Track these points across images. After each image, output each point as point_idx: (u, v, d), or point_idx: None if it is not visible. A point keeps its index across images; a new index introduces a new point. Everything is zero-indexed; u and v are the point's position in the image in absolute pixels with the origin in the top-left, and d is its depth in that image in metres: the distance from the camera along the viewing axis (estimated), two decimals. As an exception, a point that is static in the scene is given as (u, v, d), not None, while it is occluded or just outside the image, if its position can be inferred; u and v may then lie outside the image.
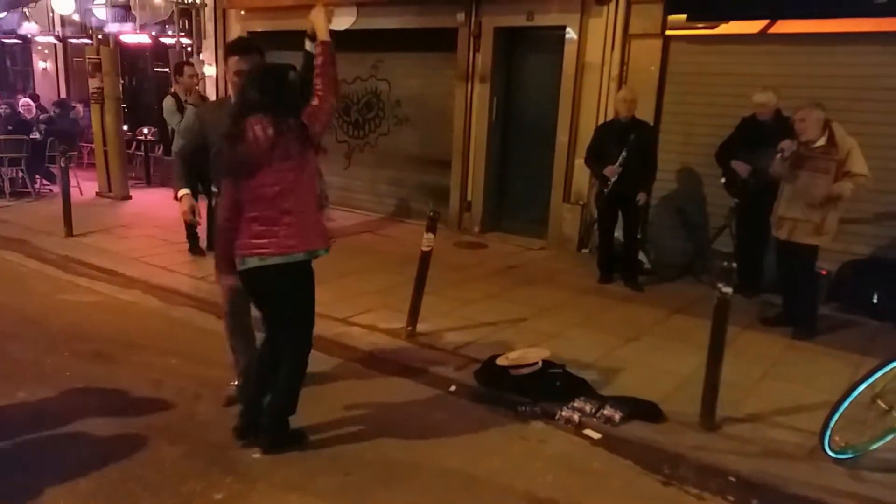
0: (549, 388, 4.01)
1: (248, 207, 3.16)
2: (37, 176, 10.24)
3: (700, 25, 6.53)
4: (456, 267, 6.71)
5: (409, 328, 4.91)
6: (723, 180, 6.06)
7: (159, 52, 12.74)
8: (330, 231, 3.45)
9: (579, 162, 7.33)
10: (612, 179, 6.06)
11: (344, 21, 8.93)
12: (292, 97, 3.15)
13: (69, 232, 7.49)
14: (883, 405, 3.36)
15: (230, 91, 3.71)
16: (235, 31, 10.59)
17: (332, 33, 3.34)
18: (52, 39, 14.41)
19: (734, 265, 3.64)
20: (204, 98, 6.93)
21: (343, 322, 5.17)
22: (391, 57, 9.17)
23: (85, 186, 9.93)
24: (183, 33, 10.96)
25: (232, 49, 3.63)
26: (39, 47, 14.96)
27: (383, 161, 9.51)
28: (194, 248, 6.90)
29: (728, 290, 3.59)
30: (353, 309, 5.40)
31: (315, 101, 3.19)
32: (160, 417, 3.68)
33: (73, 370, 4.22)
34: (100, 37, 9.73)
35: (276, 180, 3.12)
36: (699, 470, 3.38)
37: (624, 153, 5.98)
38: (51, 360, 4.37)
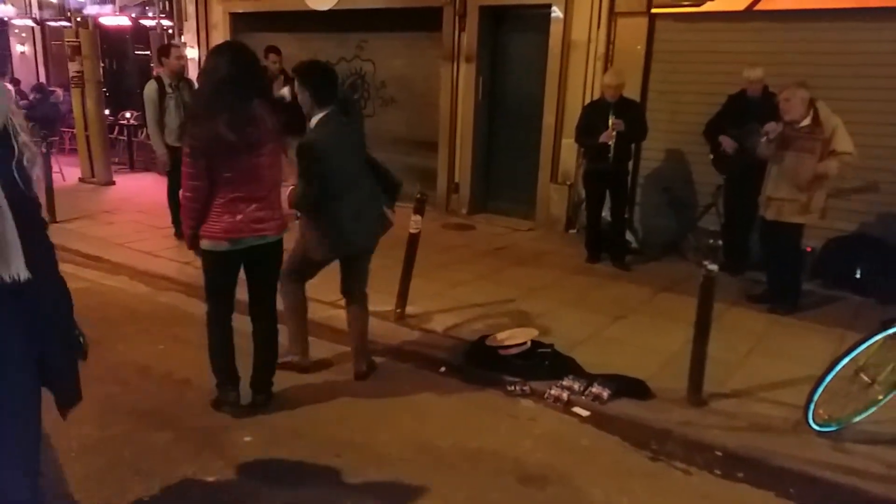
0: (538, 367, 4.05)
1: (233, 188, 3.24)
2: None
3: (686, 2, 6.52)
4: (444, 249, 6.71)
5: (399, 310, 4.92)
6: (711, 157, 6.08)
7: (140, 34, 12.54)
8: None
9: (567, 142, 7.33)
10: (611, 144, 6.02)
11: (328, 1, 8.83)
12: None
13: (53, 218, 7.40)
14: (866, 378, 3.41)
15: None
16: (217, 12, 10.46)
17: None
18: (29, 22, 14.16)
19: (720, 243, 3.66)
20: (189, 81, 6.82)
21: (332, 305, 5.15)
22: (376, 37, 9.08)
23: (67, 172, 9.80)
24: (163, 15, 10.79)
25: None
26: (17, 31, 14.67)
27: (369, 143, 9.30)
28: (180, 233, 6.85)
29: (714, 267, 3.62)
30: (340, 292, 5.38)
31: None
32: (149, 402, 3.69)
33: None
34: (79, 19, 9.55)
35: (272, 161, 3.33)
36: (686, 445, 3.44)
37: (612, 117, 5.95)
38: (37, 348, 4.34)
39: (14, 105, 1.92)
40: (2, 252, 1.73)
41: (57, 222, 7.40)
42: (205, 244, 3.32)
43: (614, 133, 5.96)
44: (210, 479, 3.03)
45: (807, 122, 4.85)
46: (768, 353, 4.53)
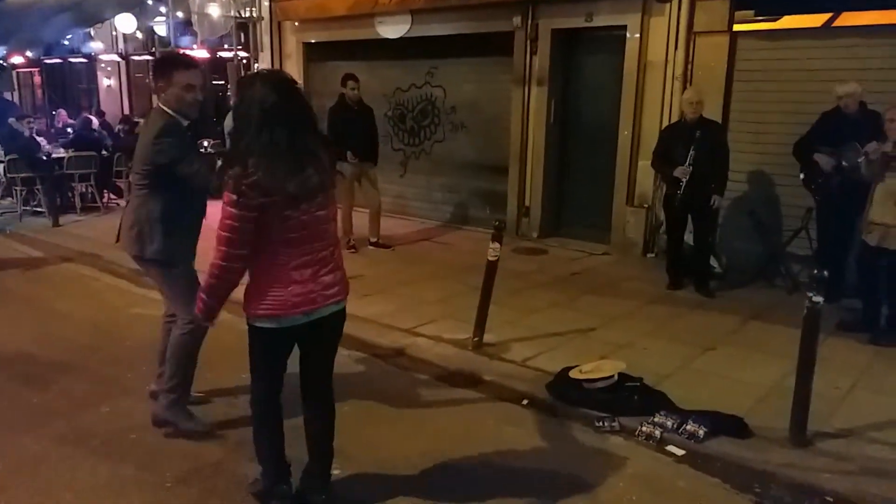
0: (627, 402, 3.89)
1: (292, 250, 2.69)
2: (105, 191, 10.57)
3: (761, 18, 6.32)
4: (516, 274, 6.60)
5: (476, 339, 4.84)
6: (801, 177, 5.80)
7: (217, 65, 13.02)
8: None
9: (643, 164, 7.16)
10: (684, 181, 5.87)
11: (398, 29, 8.96)
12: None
13: (125, 243, 7.67)
14: None
15: None
16: (291, 42, 10.76)
17: None
18: (115, 57, 14.91)
19: (826, 273, 3.44)
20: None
21: (408, 333, 5.14)
22: (446, 63, 9.14)
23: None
24: (240, 47, 11.17)
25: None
26: (103, 65, 15.48)
27: (439, 168, 9.48)
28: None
29: (819, 299, 3.42)
30: (416, 319, 5.37)
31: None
32: (238, 433, 3.70)
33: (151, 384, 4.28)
34: (161, 52, 9.98)
35: (333, 212, 2.86)
36: (793, 489, 3.22)
37: (692, 151, 5.78)
38: (130, 374, 4.46)
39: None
40: None
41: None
42: (265, 322, 2.74)
43: (689, 169, 5.79)
44: (300, 513, 3.00)
45: (915, 142, 4.57)
46: (874, 389, 4.24)
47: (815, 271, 3.44)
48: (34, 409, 3.99)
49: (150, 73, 3.52)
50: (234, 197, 2.54)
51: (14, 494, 3.12)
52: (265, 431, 2.99)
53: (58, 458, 3.45)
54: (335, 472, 3.28)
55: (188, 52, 11.15)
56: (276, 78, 2.71)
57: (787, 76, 6.36)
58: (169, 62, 3.50)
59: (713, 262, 6.50)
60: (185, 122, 3.46)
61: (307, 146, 2.64)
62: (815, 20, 6.05)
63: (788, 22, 6.24)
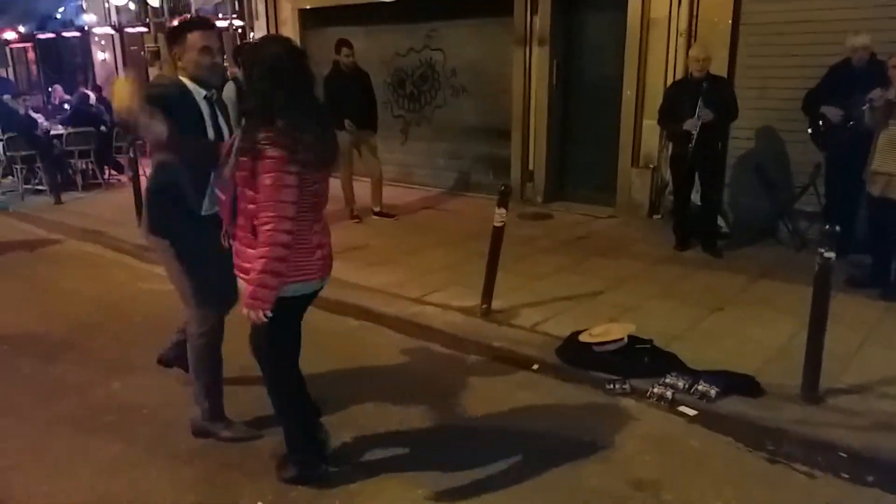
0: (638, 364, 3.88)
1: (313, 216, 2.72)
2: (105, 167, 10.50)
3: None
4: (522, 240, 6.56)
5: (484, 306, 4.82)
6: (809, 131, 5.70)
7: (212, 35, 12.84)
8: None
9: (648, 123, 7.06)
10: (695, 133, 5.75)
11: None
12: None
13: (140, 221, 7.64)
14: None
15: None
16: (285, 9, 10.56)
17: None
18: (109, 30, 14.69)
19: (837, 228, 3.39)
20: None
21: (416, 301, 5.13)
22: (445, 25, 8.96)
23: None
24: (235, 15, 10.98)
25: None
26: (97, 38, 15.26)
27: (440, 134, 9.38)
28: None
29: (831, 255, 3.38)
30: (424, 288, 5.35)
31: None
32: (249, 406, 3.70)
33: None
34: (155, 24, 9.82)
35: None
36: (806, 445, 3.22)
37: (700, 102, 5.67)
38: (138, 351, 4.46)
39: None
40: None
41: (145, 224, 7.65)
42: (295, 289, 2.68)
43: (699, 122, 5.68)
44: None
45: (920, 89, 4.47)
46: (885, 344, 4.23)
47: (826, 226, 3.39)
48: (45, 387, 4.01)
49: (165, 43, 3.32)
50: (289, 156, 2.47)
51: (29, 471, 3.14)
52: (296, 415, 2.95)
53: (71, 434, 3.46)
54: (346, 439, 3.31)
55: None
56: (289, 42, 2.71)
57: (793, 28, 6.20)
58: (182, 25, 3.29)
59: (720, 221, 6.44)
60: (205, 92, 3.16)
61: (323, 109, 2.68)
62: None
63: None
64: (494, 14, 8.23)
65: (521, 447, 3.29)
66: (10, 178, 10.15)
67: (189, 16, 9.49)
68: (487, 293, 4.81)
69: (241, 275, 2.73)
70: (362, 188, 7.64)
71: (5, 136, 9.52)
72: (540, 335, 4.47)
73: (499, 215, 4.66)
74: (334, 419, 3.45)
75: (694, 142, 5.77)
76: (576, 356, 4.05)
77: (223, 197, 2.81)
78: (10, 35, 16.18)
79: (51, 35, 16.13)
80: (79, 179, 9.99)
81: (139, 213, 7.57)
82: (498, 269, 4.80)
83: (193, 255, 3.17)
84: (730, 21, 6.51)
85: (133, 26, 14.10)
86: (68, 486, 3.03)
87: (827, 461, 3.13)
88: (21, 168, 9.65)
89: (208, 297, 3.21)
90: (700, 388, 3.61)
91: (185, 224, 3.18)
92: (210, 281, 3.18)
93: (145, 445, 3.34)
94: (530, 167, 8.30)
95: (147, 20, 12.99)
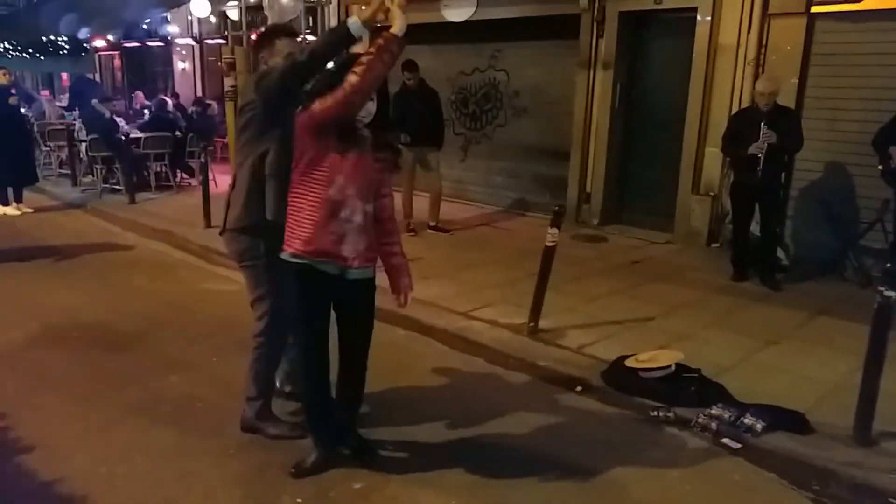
0: (684, 393, 3.83)
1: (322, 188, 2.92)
2: (177, 170, 11.00)
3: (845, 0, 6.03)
4: (576, 261, 6.56)
5: (532, 324, 4.84)
6: (880, 167, 5.54)
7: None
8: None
9: (711, 151, 6.97)
10: (761, 156, 5.64)
11: (463, 12, 8.94)
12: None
13: (208, 223, 7.97)
14: None
15: None
16: (357, 26, 10.87)
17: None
18: (190, 41, 15.41)
19: (897, 267, 3.30)
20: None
21: (464, 316, 5.19)
22: (510, 46, 9.08)
23: (219, 179, 10.55)
24: (308, 30, 11.36)
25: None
26: (178, 48, 16.03)
27: (500, 153, 9.46)
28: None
29: (892, 293, 3.28)
30: (473, 303, 5.41)
31: (339, 90, 2.73)
32: (300, 406, 3.83)
33: (218, 357, 4.49)
34: (233, 36, 10.26)
35: None
36: (853, 488, 3.12)
37: (764, 125, 5.57)
38: (198, 347, 4.68)
39: None
40: None
41: (212, 227, 7.96)
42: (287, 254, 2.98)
43: (765, 145, 5.58)
44: (357, 485, 3.11)
45: None
46: (949, 390, 4.04)
47: (889, 264, 3.30)
48: (110, 375, 4.24)
49: (251, 48, 3.50)
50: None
51: (89, 454, 3.34)
52: (313, 391, 3.15)
53: (131, 422, 3.66)
54: (387, 445, 3.39)
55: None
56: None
57: (867, 60, 6.05)
58: (271, 31, 3.47)
59: (780, 253, 6.29)
60: None
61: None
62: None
63: (874, 2, 5.92)
64: (560, 37, 8.30)
65: (558, 468, 3.30)
66: (91, 177, 10.75)
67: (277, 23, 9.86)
68: (535, 312, 4.83)
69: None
70: (421, 203, 7.78)
71: (88, 138, 10.11)
72: (586, 357, 4.47)
73: (551, 235, 4.70)
74: (376, 426, 3.55)
75: (762, 164, 5.66)
76: (621, 381, 4.03)
77: None
78: (99, 43, 17.15)
79: (136, 44, 17.02)
80: (152, 181, 10.49)
81: (207, 215, 7.93)
82: (549, 289, 4.82)
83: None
84: (801, 50, 6.39)
85: (212, 38, 14.77)
86: (124, 471, 3.20)
87: (875, 506, 3.03)
88: (101, 168, 10.22)
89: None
90: (746, 421, 3.54)
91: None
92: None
93: (197, 437, 3.50)
94: (588, 189, 8.29)
95: (226, 32, 13.57)
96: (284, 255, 2.92)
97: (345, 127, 2.83)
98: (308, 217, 2.84)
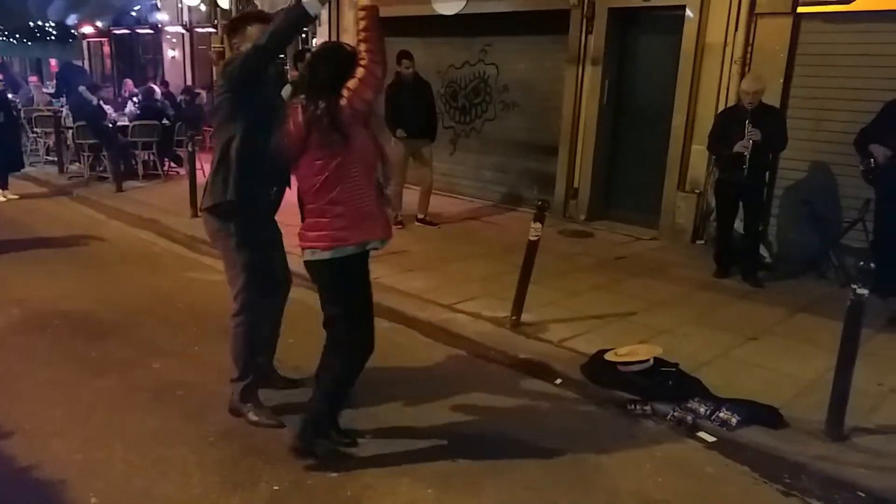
0: (661, 386, 3.88)
1: (304, 197, 3.08)
2: (165, 159, 10.94)
3: (833, 0, 6.06)
4: (561, 256, 6.60)
5: (514, 318, 4.88)
6: (861, 168, 5.60)
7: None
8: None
9: (697, 148, 7.02)
10: (747, 154, 5.68)
11: (454, 6, 8.93)
12: (328, 75, 2.87)
13: (195, 212, 7.94)
14: None
15: None
16: (347, 17, 10.84)
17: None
18: (180, 29, 15.31)
19: (872, 266, 3.36)
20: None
21: (448, 308, 5.22)
22: (500, 41, 9.08)
23: (207, 169, 10.49)
24: (299, 20, 11.32)
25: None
26: (168, 36, 15.92)
27: (489, 147, 9.47)
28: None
29: (864, 291, 3.34)
30: (457, 296, 5.44)
31: (360, 73, 2.83)
32: (279, 394, 3.84)
33: (201, 345, 4.51)
34: (223, 25, 10.21)
35: (319, 169, 2.89)
36: (824, 482, 3.18)
37: (749, 123, 5.62)
38: (181, 335, 4.68)
39: None
40: None
41: (198, 216, 7.94)
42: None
43: (750, 143, 5.63)
44: (333, 474, 3.13)
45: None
46: (921, 388, 4.12)
47: (861, 263, 3.35)
48: (92, 362, 4.24)
49: (226, 36, 3.53)
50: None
51: (68, 440, 3.35)
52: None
53: (110, 408, 3.67)
54: (366, 437, 3.41)
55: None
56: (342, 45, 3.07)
57: (852, 61, 6.09)
58: (243, 17, 3.51)
59: (763, 251, 6.35)
60: None
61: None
62: (893, 2, 5.76)
63: (861, 4, 5.96)
64: (550, 32, 8.31)
65: (534, 458, 3.34)
66: (78, 164, 10.69)
67: (251, 9, 9.81)
68: (518, 305, 4.87)
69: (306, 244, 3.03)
70: (410, 196, 7.80)
71: (75, 125, 10.05)
72: (567, 351, 4.51)
73: (534, 229, 4.72)
74: (356, 414, 3.57)
75: (747, 162, 5.71)
76: (599, 374, 4.07)
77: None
78: (87, 29, 17.01)
79: (125, 31, 16.89)
80: (140, 169, 10.44)
81: (193, 204, 7.91)
82: (533, 283, 4.86)
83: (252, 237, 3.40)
84: (786, 50, 6.44)
85: (203, 26, 14.69)
86: (103, 457, 3.21)
87: (844, 500, 3.09)
88: (88, 155, 10.16)
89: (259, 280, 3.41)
90: (721, 415, 3.59)
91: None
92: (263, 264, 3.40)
93: (176, 424, 3.51)
94: (575, 185, 8.32)
95: (216, 21, 13.51)
96: (346, 251, 2.96)
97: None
98: (365, 208, 2.97)
